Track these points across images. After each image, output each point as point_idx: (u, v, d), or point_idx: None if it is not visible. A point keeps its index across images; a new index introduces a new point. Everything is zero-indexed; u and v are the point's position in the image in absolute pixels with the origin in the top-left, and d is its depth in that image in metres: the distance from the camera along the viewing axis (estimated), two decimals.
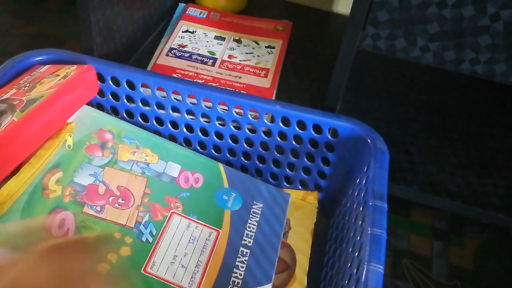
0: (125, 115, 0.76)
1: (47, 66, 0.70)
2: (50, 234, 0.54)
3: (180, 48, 0.93)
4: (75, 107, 0.67)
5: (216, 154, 0.76)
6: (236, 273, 0.60)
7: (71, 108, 0.66)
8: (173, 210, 0.62)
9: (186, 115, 0.74)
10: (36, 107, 0.60)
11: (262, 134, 0.73)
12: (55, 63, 0.72)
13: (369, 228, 0.56)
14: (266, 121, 0.71)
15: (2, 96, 0.63)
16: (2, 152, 0.57)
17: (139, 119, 0.76)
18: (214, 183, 0.68)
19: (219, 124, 0.73)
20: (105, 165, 0.64)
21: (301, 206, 0.72)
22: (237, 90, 0.84)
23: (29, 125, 0.59)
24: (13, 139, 0.58)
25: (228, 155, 0.76)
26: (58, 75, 0.67)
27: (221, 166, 0.70)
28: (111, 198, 0.60)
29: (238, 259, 0.61)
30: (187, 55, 0.92)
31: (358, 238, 0.57)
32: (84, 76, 0.68)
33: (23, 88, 0.64)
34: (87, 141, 0.65)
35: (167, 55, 0.91)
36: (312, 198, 0.74)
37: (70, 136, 0.64)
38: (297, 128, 0.71)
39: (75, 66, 0.69)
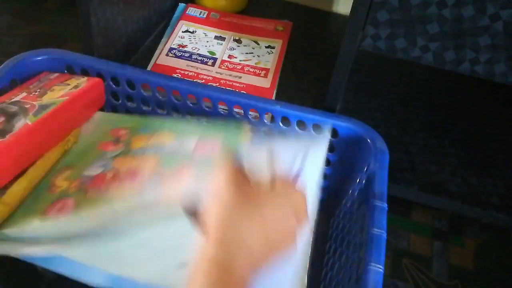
0: None
1: (56, 74, 0.70)
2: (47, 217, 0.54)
3: (180, 48, 0.93)
4: (84, 116, 0.68)
5: None
6: None
7: (80, 117, 0.68)
8: None
9: (186, 115, 0.74)
10: (50, 112, 0.61)
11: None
12: (56, 63, 0.73)
13: (369, 228, 0.56)
14: (266, 121, 0.71)
15: (12, 98, 0.64)
16: (14, 152, 0.58)
17: None
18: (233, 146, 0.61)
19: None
20: (117, 155, 0.63)
21: None
22: (237, 90, 0.84)
23: (43, 129, 0.61)
24: (27, 141, 0.59)
25: None
26: (69, 84, 0.67)
27: (245, 127, 0.64)
28: (117, 180, 0.60)
29: None
30: (187, 55, 0.92)
31: (358, 237, 0.57)
32: (94, 88, 0.70)
33: (34, 93, 0.65)
34: (100, 140, 0.65)
35: (167, 55, 0.91)
36: None
37: (76, 141, 0.65)
38: (297, 128, 0.71)
39: (86, 78, 0.70)
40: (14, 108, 0.62)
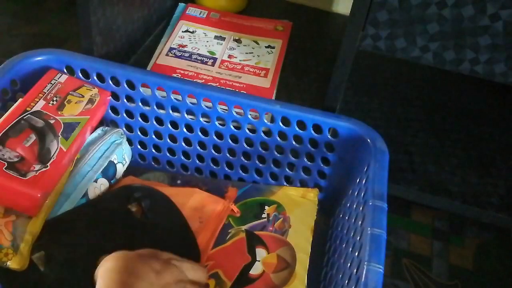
0: (125, 115, 0.76)
1: (65, 77, 0.71)
2: None
3: (180, 48, 0.93)
4: (92, 129, 0.71)
5: (216, 154, 0.76)
6: None
7: (90, 132, 0.70)
8: None
9: (186, 115, 0.74)
10: (77, 136, 0.64)
11: (262, 134, 0.73)
12: (56, 63, 0.72)
13: (369, 228, 0.55)
14: (266, 121, 0.71)
15: (33, 107, 0.65)
16: (55, 180, 0.60)
17: (139, 119, 0.76)
18: None
19: (219, 124, 0.73)
20: None
21: (301, 204, 0.72)
22: (237, 90, 0.84)
23: (72, 153, 0.64)
24: (62, 167, 0.62)
25: (228, 155, 0.76)
26: (83, 96, 0.70)
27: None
28: None
29: None
30: (187, 55, 0.92)
31: (358, 238, 0.57)
32: (105, 102, 0.72)
33: (52, 102, 0.66)
34: None
35: (167, 55, 0.91)
36: (312, 195, 0.73)
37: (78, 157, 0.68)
38: (297, 128, 0.71)
39: (96, 89, 0.71)
40: (40, 123, 0.63)
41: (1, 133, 0.60)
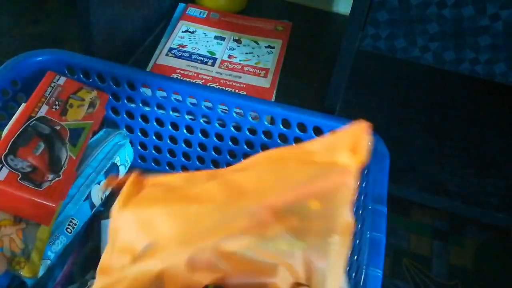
0: (125, 116, 0.76)
1: (63, 79, 0.70)
2: None
3: (180, 48, 0.93)
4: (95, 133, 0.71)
5: (216, 155, 0.76)
6: None
7: (93, 136, 0.70)
8: None
9: (186, 116, 0.74)
10: (84, 143, 0.65)
11: (263, 136, 0.73)
12: (56, 63, 0.72)
13: (368, 232, 0.55)
14: (266, 122, 0.71)
15: (37, 113, 0.64)
16: (67, 189, 0.60)
17: (140, 119, 0.76)
18: None
19: (219, 125, 0.73)
20: None
21: None
22: (237, 91, 0.84)
23: (79, 160, 0.64)
24: (73, 175, 0.62)
25: (228, 157, 0.76)
26: (84, 99, 0.69)
27: None
28: None
29: None
30: (187, 55, 0.91)
31: (357, 242, 0.57)
32: (105, 104, 0.72)
33: (54, 107, 0.66)
34: None
35: (167, 55, 0.91)
36: None
37: None
38: (297, 130, 0.71)
39: (96, 91, 0.71)
40: (47, 130, 0.63)
41: (11, 142, 0.59)
